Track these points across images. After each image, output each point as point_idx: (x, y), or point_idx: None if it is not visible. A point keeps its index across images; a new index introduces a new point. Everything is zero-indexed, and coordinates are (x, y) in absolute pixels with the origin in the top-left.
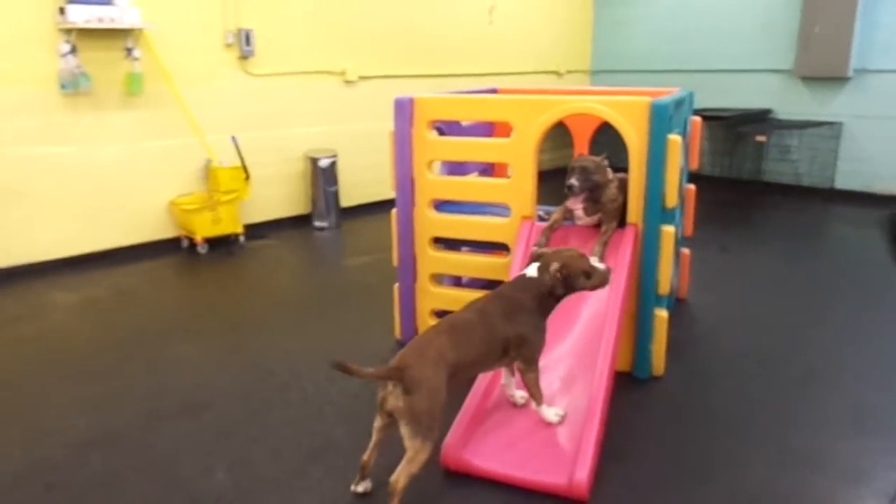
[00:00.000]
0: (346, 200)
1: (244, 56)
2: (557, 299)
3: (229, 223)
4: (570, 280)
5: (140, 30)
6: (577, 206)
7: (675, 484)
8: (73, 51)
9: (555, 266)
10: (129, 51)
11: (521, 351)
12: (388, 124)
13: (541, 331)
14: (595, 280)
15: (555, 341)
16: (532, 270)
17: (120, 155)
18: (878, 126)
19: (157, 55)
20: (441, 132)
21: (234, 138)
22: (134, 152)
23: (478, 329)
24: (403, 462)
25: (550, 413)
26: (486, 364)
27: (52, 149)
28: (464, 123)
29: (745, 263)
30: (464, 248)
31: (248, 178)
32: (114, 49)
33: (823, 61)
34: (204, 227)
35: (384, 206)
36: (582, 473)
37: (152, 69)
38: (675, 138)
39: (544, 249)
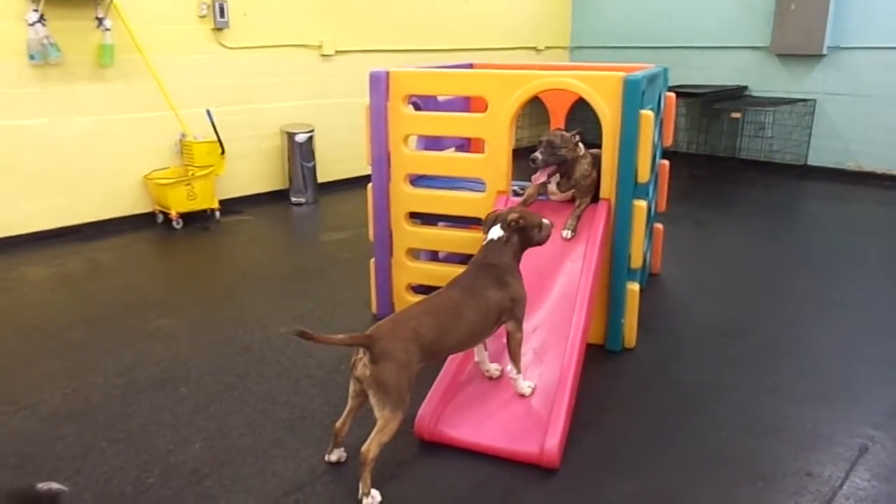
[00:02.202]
0: (324, 176)
1: (218, 28)
2: (522, 251)
3: (205, 198)
4: (527, 230)
5: None
6: (541, 178)
7: (641, 449)
8: (42, 20)
9: (513, 216)
10: (99, 21)
11: (514, 312)
12: (365, 99)
13: (523, 286)
14: (544, 233)
15: (529, 313)
16: (497, 232)
17: (92, 128)
18: (850, 103)
19: (128, 26)
20: (417, 107)
21: (209, 112)
22: (106, 125)
23: (469, 308)
24: (374, 432)
25: (524, 385)
26: (479, 338)
27: (22, 121)
28: (440, 98)
29: (718, 238)
30: (440, 223)
31: (223, 152)
32: (84, 18)
33: (799, 38)
34: (179, 202)
35: (362, 181)
36: (553, 442)
37: (124, 40)
38: (647, 114)
39: (496, 211)
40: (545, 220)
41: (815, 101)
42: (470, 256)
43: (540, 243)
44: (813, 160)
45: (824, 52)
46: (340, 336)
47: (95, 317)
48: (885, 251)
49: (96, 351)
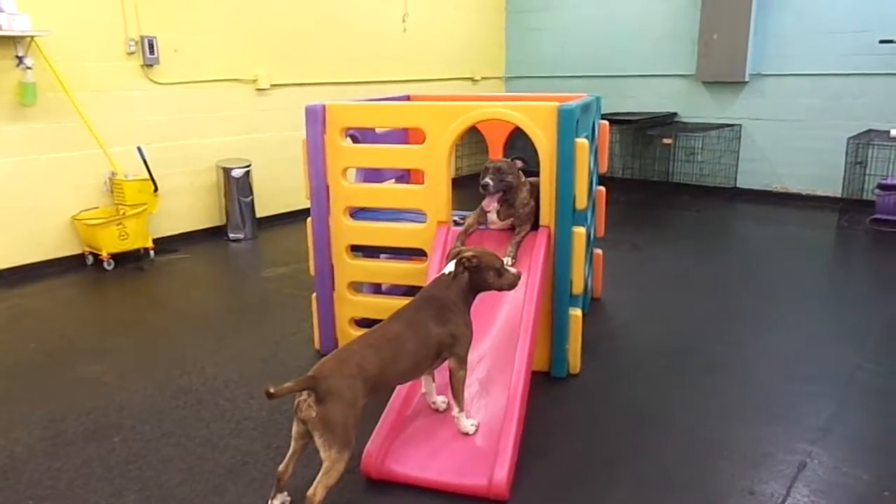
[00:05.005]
0: (262, 210)
1: (148, 64)
2: (474, 292)
3: (138, 237)
4: (480, 272)
5: (31, 37)
6: (492, 205)
7: (590, 474)
8: None
9: (468, 254)
10: (19, 59)
11: (454, 350)
12: (302, 132)
13: (469, 325)
14: (505, 280)
15: (474, 344)
16: (450, 267)
17: (14, 168)
18: (773, 127)
19: (51, 64)
20: (356, 139)
21: (139, 149)
22: (29, 165)
23: (409, 341)
24: (320, 474)
25: (467, 423)
26: (419, 371)
27: None
28: (378, 130)
29: (657, 261)
30: (382, 256)
31: (156, 190)
32: (2, 57)
33: (722, 66)
34: (110, 243)
35: (302, 214)
36: (501, 474)
37: (48, 78)
38: (582, 142)
39: (463, 247)
40: (512, 270)
41: (740, 125)
42: (414, 287)
43: (499, 289)
44: (742, 183)
45: (746, 79)
46: (289, 384)
47: (19, 365)
48: (813, 270)
49: (20, 402)
